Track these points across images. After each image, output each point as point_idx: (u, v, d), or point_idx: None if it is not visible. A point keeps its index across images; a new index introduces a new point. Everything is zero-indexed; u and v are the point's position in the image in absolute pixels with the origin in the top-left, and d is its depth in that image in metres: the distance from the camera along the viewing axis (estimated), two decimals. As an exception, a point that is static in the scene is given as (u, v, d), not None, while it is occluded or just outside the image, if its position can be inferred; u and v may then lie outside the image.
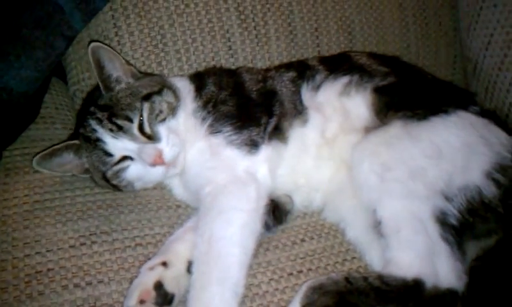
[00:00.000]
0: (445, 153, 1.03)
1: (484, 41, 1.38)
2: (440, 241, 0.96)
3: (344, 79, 1.18)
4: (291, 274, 1.03)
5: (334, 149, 1.15)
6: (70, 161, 1.12)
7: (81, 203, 1.11)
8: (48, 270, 0.96)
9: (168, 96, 1.12)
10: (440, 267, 0.94)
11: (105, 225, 1.06)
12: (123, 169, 1.09)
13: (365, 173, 1.05)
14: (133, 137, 1.06)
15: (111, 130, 1.06)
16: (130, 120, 1.06)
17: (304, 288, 0.93)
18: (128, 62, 1.16)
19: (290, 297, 0.97)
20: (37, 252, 0.98)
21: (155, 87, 1.12)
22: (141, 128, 1.07)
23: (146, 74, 1.20)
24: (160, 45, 1.31)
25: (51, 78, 1.37)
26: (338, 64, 1.23)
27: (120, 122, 1.06)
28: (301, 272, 1.03)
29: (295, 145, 1.15)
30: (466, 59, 1.50)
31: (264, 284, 1.00)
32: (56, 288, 0.93)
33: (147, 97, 1.09)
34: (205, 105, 1.14)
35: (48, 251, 0.99)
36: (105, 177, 1.10)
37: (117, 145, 1.07)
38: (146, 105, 1.08)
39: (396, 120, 1.09)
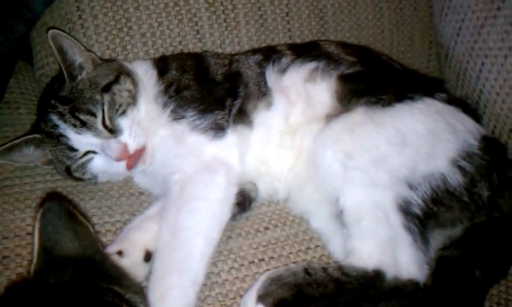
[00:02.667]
0: (409, 140, 1.02)
1: (456, 27, 1.36)
2: (402, 231, 0.96)
3: (311, 65, 1.17)
4: (252, 262, 1.02)
5: (296, 138, 1.13)
6: (31, 154, 1.10)
7: (41, 189, 1.09)
8: (4, 257, 0.94)
9: (126, 84, 1.10)
10: (401, 258, 0.94)
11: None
12: (87, 163, 1.07)
13: (328, 161, 1.03)
14: (96, 132, 1.04)
15: (74, 126, 1.04)
16: (93, 115, 1.04)
17: (262, 279, 0.92)
18: (87, 49, 1.14)
19: (250, 286, 0.96)
20: (-8, 239, 0.96)
21: (111, 76, 1.09)
22: (103, 122, 1.04)
23: (105, 60, 1.17)
24: (125, 29, 1.28)
25: (16, 63, 1.34)
26: (306, 50, 1.22)
27: (83, 117, 1.04)
28: (262, 260, 1.02)
29: (259, 130, 1.13)
30: (439, 45, 1.48)
31: (223, 273, 0.99)
32: (10, 276, 0.92)
33: (106, 88, 1.07)
34: (166, 90, 1.12)
35: (4, 238, 0.98)
36: (69, 170, 1.08)
37: (81, 140, 1.05)
38: (106, 98, 1.05)
39: (359, 106, 1.08)
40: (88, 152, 1.06)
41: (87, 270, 0.67)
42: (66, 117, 1.04)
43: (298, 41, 1.41)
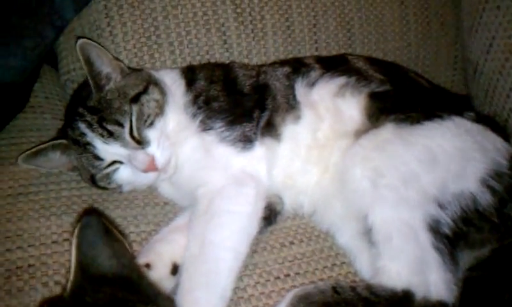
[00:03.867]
0: (438, 159, 1.00)
1: (486, 44, 1.34)
2: (431, 251, 0.94)
3: (340, 80, 1.15)
4: (278, 277, 1.00)
5: (323, 153, 1.12)
6: (56, 159, 1.09)
7: (66, 197, 1.08)
8: (29, 266, 0.93)
9: (154, 94, 1.08)
10: (430, 278, 0.92)
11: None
12: (113, 172, 1.06)
13: (357, 179, 1.02)
14: (124, 143, 1.03)
15: (102, 136, 1.03)
16: (121, 125, 1.03)
17: (290, 296, 0.91)
18: (116, 58, 1.13)
19: (276, 302, 0.95)
20: (18, 247, 0.96)
21: (140, 86, 1.08)
22: (131, 132, 1.03)
23: (134, 70, 1.16)
24: (153, 37, 1.27)
25: (42, 67, 1.35)
26: (335, 65, 1.20)
27: (110, 127, 1.02)
28: (288, 275, 1.01)
29: (287, 143, 1.12)
30: (467, 61, 1.47)
31: (249, 288, 0.98)
32: (35, 285, 0.90)
33: (135, 99, 1.06)
34: (195, 100, 1.11)
35: (30, 245, 0.97)
36: (94, 179, 1.07)
37: (107, 150, 1.04)
38: (135, 109, 1.04)
39: (388, 123, 1.06)
40: (114, 162, 1.05)
41: (125, 289, 0.66)
42: (94, 127, 1.03)
43: (324, 52, 1.41)
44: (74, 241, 0.68)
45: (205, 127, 1.08)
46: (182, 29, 1.29)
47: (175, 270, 0.97)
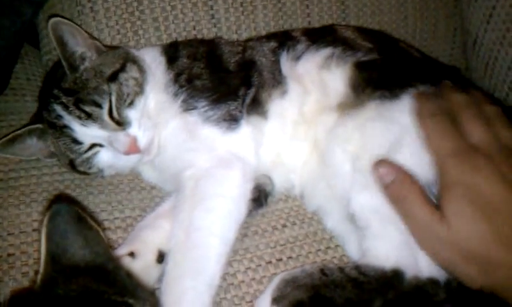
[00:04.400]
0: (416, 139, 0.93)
1: (486, 14, 1.29)
2: None
3: (326, 51, 1.10)
4: (270, 262, 0.96)
5: (310, 129, 1.07)
6: (33, 145, 1.04)
7: (48, 182, 1.04)
8: (9, 255, 0.90)
9: (132, 72, 1.03)
10: (419, 256, 0.87)
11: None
12: (93, 156, 1.02)
13: (338, 162, 0.98)
14: (103, 124, 0.98)
15: (79, 118, 0.98)
16: (99, 106, 0.98)
17: (276, 281, 0.88)
18: (91, 36, 1.07)
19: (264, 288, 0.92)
20: (-3, 236, 0.92)
21: (117, 64, 1.03)
22: (110, 113, 0.99)
23: (111, 48, 1.10)
24: (136, 13, 1.22)
25: (23, 47, 1.29)
26: (322, 36, 1.15)
27: (88, 109, 0.97)
28: (280, 260, 0.97)
29: (274, 120, 1.07)
30: (466, 33, 1.42)
31: (239, 274, 0.94)
32: (15, 275, 0.87)
33: (113, 77, 1.00)
34: (176, 79, 1.06)
35: (9, 234, 0.93)
36: (73, 164, 1.03)
37: (86, 133, 0.99)
38: (114, 88, 0.99)
39: (372, 100, 1.00)
40: (93, 145, 1.01)
41: (99, 280, 0.62)
42: (71, 108, 0.98)
43: (317, 26, 1.35)
44: (43, 230, 0.63)
45: (188, 107, 1.03)
46: (167, 3, 1.23)
47: (161, 258, 0.92)
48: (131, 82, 1.02)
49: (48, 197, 1.00)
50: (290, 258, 0.97)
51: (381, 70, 1.05)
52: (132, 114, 1.00)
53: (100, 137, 0.99)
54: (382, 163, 0.90)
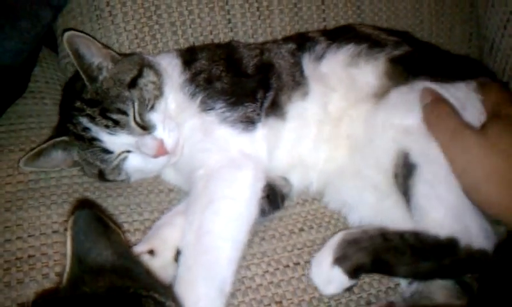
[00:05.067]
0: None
1: (503, 19, 1.29)
2: (467, 201, 0.90)
3: (350, 48, 1.10)
4: (287, 266, 0.96)
5: (335, 127, 1.08)
6: (58, 158, 1.05)
7: (67, 185, 1.05)
8: (29, 256, 0.90)
9: (150, 76, 1.04)
10: (471, 227, 0.89)
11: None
12: (122, 162, 1.03)
13: (384, 143, 0.98)
14: (130, 130, 0.99)
15: (107, 127, 0.98)
16: (125, 113, 0.99)
17: (337, 239, 0.90)
18: (105, 46, 1.07)
19: (286, 292, 0.92)
20: (18, 237, 0.93)
21: (135, 70, 1.04)
22: (135, 119, 0.99)
23: (125, 55, 1.11)
24: (154, 17, 1.22)
25: (41, 50, 1.30)
26: (341, 34, 1.16)
27: (115, 117, 0.98)
28: (298, 264, 0.97)
29: (294, 121, 1.07)
30: (483, 38, 1.41)
31: (257, 277, 0.94)
32: (36, 276, 0.88)
33: (133, 83, 1.01)
34: (194, 79, 1.06)
35: (30, 236, 0.94)
36: (103, 174, 1.04)
37: (115, 141, 1.00)
38: (135, 94, 1.00)
39: (417, 81, 1.01)
40: (121, 152, 1.02)
41: (123, 277, 0.63)
42: (97, 119, 0.99)
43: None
44: (69, 233, 0.65)
45: (206, 107, 1.03)
46: (184, 8, 1.24)
47: (178, 255, 0.93)
48: (150, 86, 1.02)
49: (68, 200, 1.01)
50: (307, 262, 0.97)
51: (420, 60, 1.08)
52: (154, 117, 1.01)
53: (128, 144, 1.00)
54: (424, 89, 0.95)
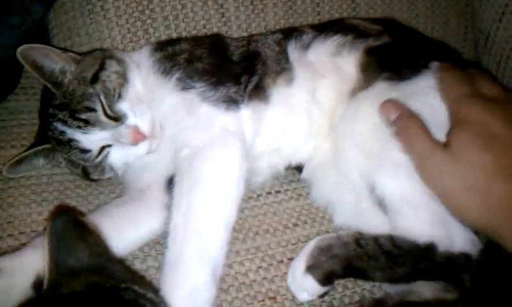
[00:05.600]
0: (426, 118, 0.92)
1: (498, 12, 1.28)
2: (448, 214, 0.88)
3: (336, 38, 1.09)
4: (281, 261, 0.96)
5: (325, 119, 1.06)
6: (40, 164, 1.06)
7: (59, 182, 1.05)
8: (20, 254, 0.90)
9: (112, 66, 1.03)
10: (453, 231, 0.88)
11: (84, 206, 1.00)
12: (105, 158, 1.02)
13: (350, 154, 0.98)
14: (102, 125, 0.99)
15: (79, 127, 0.98)
16: (93, 110, 0.98)
17: (311, 247, 0.89)
18: (64, 50, 1.06)
19: (280, 287, 0.92)
20: (9, 235, 0.93)
21: (96, 65, 1.03)
22: (105, 113, 0.99)
23: (86, 54, 1.10)
24: (147, 11, 1.21)
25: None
26: (329, 26, 1.15)
27: (84, 116, 0.98)
28: (291, 259, 0.96)
29: (279, 107, 1.06)
30: (478, 31, 1.40)
31: (251, 273, 0.94)
32: (27, 274, 0.87)
33: (95, 78, 1.01)
34: (169, 58, 1.05)
35: (21, 233, 0.94)
36: (86, 172, 1.04)
37: (91, 139, 0.99)
38: (98, 88, 0.99)
39: (379, 81, 1.00)
40: (102, 148, 1.01)
41: (100, 275, 0.64)
42: (69, 121, 0.98)
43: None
44: (46, 240, 0.67)
45: (185, 85, 1.02)
46: (177, 2, 1.23)
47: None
48: (113, 76, 1.02)
49: (59, 197, 1.01)
50: (301, 257, 0.97)
51: (392, 52, 1.06)
52: (123, 106, 1.00)
53: (104, 138, 1.00)
54: (387, 102, 0.93)
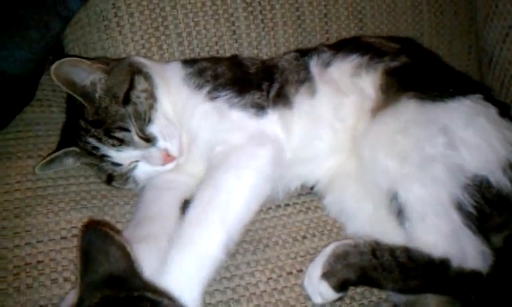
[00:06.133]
0: (462, 142, 0.98)
1: (502, 33, 1.31)
2: (463, 227, 0.92)
3: (354, 58, 1.13)
4: (290, 273, 0.98)
5: (347, 134, 1.10)
6: (69, 163, 1.10)
7: (75, 192, 1.07)
8: (38, 262, 0.92)
9: (140, 84, 1.06)
10: (467, 249, 0.91)
11: (99, 216, 1.02)
12: (131, 171, 1.06)
13: (381, 161, 1.00)
14: (135, 145, 1.03)
15: (113, 145, 1.02)
16: (127, 130, 1.02)
17: (328, 253, 0.92)
18: (94, 61, 1.09)
19: (289, 298, 0.94)
20: (27, 243, 0.95)
21: (126, 82, 1.05)
22: (137, 133, 1.03)
23: (115, 61, 1.13)
24: (161, 28, 1.25)
25: (49, 59, 1.32)
26: (345, 45, 1.19)
27: (119, 135, 1.02)
28: (301, 271, 0.99)
29: (303, 117, 1.09)
30: (482, 51, 1.43)
31: (261, 284, 0.96)
32: (45, 281, 0.89)
33: (126, 99, 1.03)
34: (199, 73, 1.10)
35: (38, 241, 0.96)
36: (112, 180, 1.07)
37: (123, 156, 1.03)
38: (130, 110, 1.02)
39: (408, 100, 1.03)
40: (131, 162, 1.05)
41: (114, 287, 0.67)
42: (103, 139, 1.02)
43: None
44: (78, 256, 0.72)
45: (213, 96, 1.07)
46: (191, 19, 1.27)
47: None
48: (142, 96, 1.05)
49: (75, 207, 1.03)
50: (310, 269, 0.99)
51: (414, 73, 1.09)
52: (154, 129, 1.04)
53: (135, 156, 1.04)
54: None
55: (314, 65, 1.14)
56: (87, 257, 0.71)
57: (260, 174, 0.98)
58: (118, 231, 0.96)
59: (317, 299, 0.92)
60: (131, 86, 1.05)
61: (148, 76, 1.08)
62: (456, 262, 0.89)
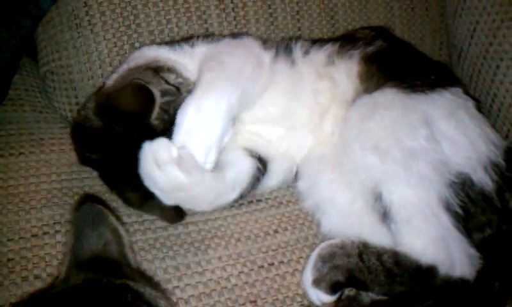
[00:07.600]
0: (444, 135, 0.98)
1: (470, 28, 1.33)
2: (453, 229, 0.92)
3: (328, 47, 1.17)
4: (262, 266, 0.99)
5: (323, 119, 1.12)
6: None
7: (46, 190, 1.06)
8: (8, 260, 0.92)
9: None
10: (455, 255, 0.90)
11: (70, 214, 1.02)
12: None
13: (359, 153, 0.99)
14: None
15: None
16: None
17: (314, 257, 0.93)
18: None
19: (260, 291, 0.95)
20: (-3, 241, 0.94)
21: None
22: None
23: None
24: (133, 26, 1.25)
25: (21, 59, 1.32)
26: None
27: None
28: (272, 264, 1.00)
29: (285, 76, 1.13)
30: (451, 47, 1.46)
31: (233, 277, 0.97)
32: (15, 279, 0.89)
33: None
34: None
35: (9, 240, 0.95)
36: None
37: None
38: None
39: (387, 89, 1.03)
40: None
41: (99, 271, 0.65)
42: None
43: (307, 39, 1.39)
44: (70, 228, 0.72)
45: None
46: (163, 17, 1.27)
47: None
48: None
49: (46, 204, 1.03)
50: (281, 262, 1.01)
51: (394, 59, 1.11)
52: None
53: None
54: None
55: (297, 49, 1.18)
56: (78, 232, 0.69)
57: (259, 64, 1.08)
58: (112, 211, 0.95)
59: (318, 303, 0.93)
60: None
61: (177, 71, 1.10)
62: (443, 270, 0.88)
